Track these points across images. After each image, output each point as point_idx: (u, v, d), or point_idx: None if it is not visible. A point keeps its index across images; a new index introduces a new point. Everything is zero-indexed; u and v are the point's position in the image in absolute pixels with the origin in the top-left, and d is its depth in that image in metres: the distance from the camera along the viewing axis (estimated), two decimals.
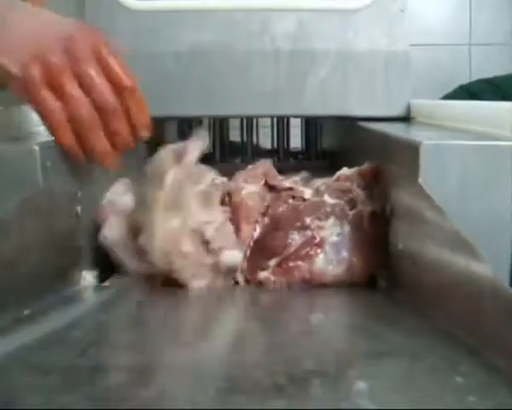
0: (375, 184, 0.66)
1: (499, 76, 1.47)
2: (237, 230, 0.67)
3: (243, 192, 0.69)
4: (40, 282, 0.54)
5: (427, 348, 0.43)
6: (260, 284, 0.63)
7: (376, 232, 0.63)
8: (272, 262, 0.64)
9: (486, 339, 0.39)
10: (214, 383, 0.37)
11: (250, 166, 0.75)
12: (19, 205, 0.50)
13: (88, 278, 0.63)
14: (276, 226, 0.66)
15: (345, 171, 0.68)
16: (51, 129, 0.55)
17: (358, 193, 0.65)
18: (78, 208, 0.62)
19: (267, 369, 0.38)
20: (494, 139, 0.54)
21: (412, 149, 0.54)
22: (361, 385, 0.36)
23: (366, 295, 0.58)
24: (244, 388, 0.36)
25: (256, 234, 0.66)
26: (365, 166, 0.67)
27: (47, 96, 0.54)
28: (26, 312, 0.49)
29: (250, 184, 0.70)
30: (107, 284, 0.65)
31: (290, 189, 0.70)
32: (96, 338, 0.46)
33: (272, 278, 0.63)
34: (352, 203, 0.65)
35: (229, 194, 0.70)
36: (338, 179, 0.68)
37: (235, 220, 0.68)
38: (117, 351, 0.43)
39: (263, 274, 0.64)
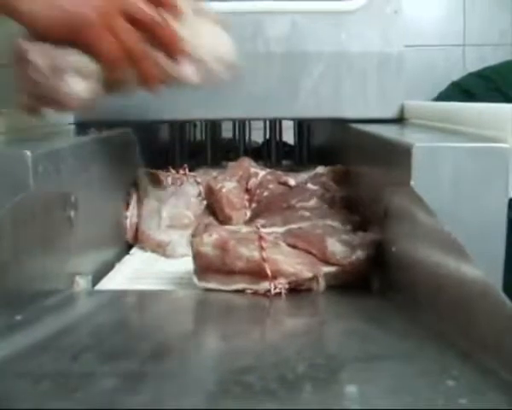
0: (345, 179, 0.83)
1: (489, 67, 1.45)
2: (227, 218, 0.81)
3: (224, 190, 0.83)
4: (33, 287, 0.53)
5: (418, 350, 0.43)
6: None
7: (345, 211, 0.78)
8: None
9: (478, 342, 0.39)
10: (204, 387, 0.37)
11: (230, 164, 0.90)
12: (11, 209, 0.50)
13: (81, 283, 0.63)
14: (266, 209, 0.80)
15: (321, 169, 0.85)
16: (108, 64, 0.59)
17: (331, 184, 0.82)
18: (72, 213, 0.62)
19: (258, 373, 0.38)
20: (487, 141, 0.54)
21: (404, 152, 0.53)
22: (352, 389, 0.36)
23: (358, 298, 0.58)
24: (235, 392, 0.36)
25: (247, 218, 0.82)
26: (337, 166, 0.85)
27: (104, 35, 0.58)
28: (18, 317, 0.49)
29: (229, 182, 0.85)
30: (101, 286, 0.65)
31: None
32: (89, 344, 0.46)
33: None
34: (328, 191, 0.81)
35: (210, 191, 0.85)
36: (316, 174, 0.85)
37: (221, 212, 0.82)
38: (109, 357, 0.43)
39: None
